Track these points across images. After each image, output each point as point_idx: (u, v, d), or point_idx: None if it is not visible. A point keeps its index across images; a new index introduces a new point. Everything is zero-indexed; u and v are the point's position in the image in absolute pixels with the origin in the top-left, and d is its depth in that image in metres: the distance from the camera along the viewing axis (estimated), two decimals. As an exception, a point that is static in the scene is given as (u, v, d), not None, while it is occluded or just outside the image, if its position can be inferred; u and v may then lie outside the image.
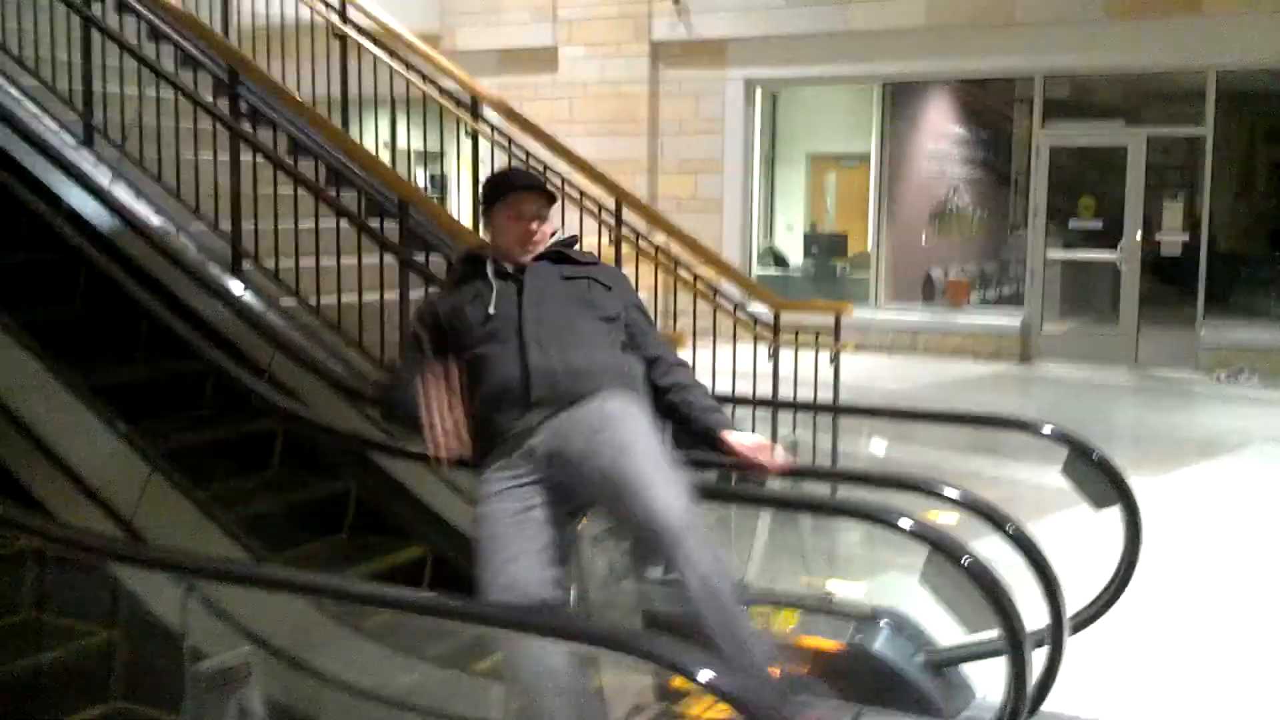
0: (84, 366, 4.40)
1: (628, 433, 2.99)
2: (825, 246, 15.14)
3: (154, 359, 4.90)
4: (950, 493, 3.20)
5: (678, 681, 2.32)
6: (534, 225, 3.45)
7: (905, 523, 2.91)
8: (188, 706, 2.40)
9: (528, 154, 7.32)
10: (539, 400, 3.11)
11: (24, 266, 4.97)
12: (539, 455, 3.05)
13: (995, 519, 3.10)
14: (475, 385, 3.19)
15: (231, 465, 4.68)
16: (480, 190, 3.56)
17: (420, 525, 4.67)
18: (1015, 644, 2.75)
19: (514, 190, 3.48)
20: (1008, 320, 13.00)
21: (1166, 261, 12.61)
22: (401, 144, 8.42)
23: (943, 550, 2.80)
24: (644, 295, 7.31)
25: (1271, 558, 6.02)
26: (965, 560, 2.77)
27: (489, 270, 3.36)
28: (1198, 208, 12.43)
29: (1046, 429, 3.94)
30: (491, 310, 3.25)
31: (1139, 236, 12.42)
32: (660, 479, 2.85)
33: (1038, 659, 3.08)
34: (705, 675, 2.03)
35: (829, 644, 4.11)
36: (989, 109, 14.71)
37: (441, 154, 13.20)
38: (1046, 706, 3.32)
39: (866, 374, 10.15)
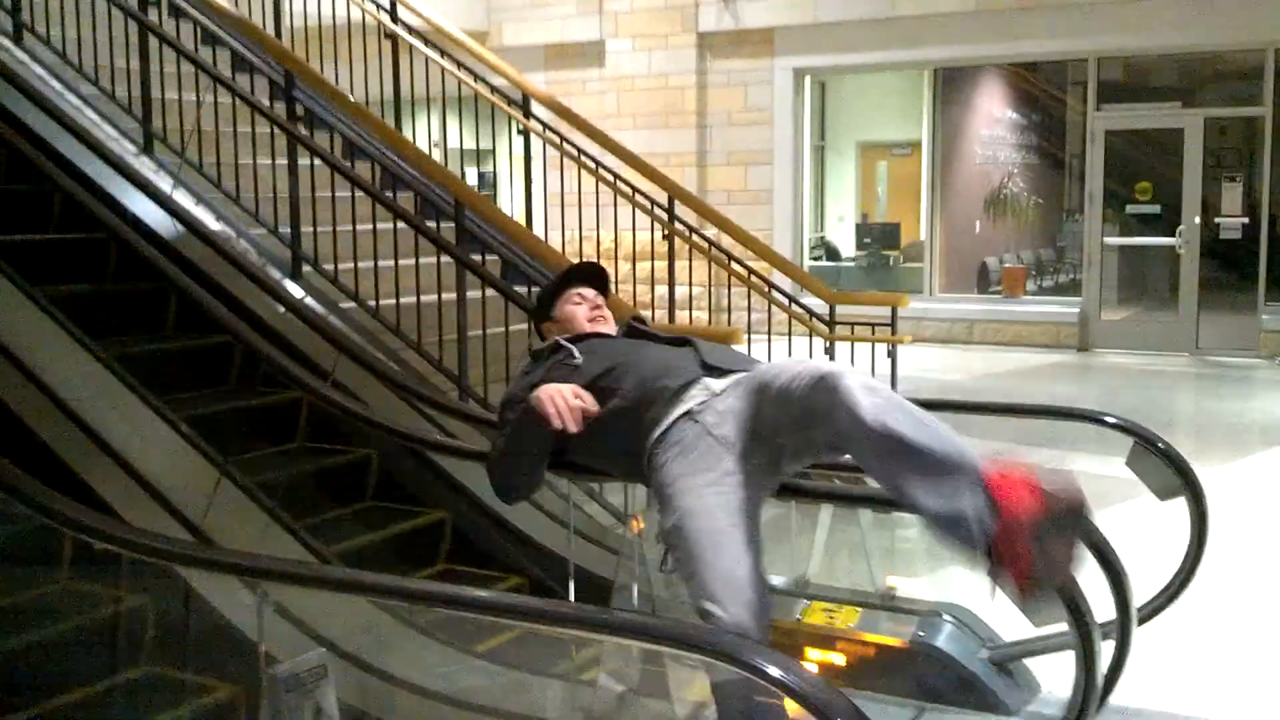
0: (173, 395, 4.45)
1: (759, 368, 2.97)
2: (878, 237, 15.07)
3: (247, 387, 4.98)
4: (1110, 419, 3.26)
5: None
6: (599, 301, 3.55)
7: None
8: (266, 709, 2.45)
9: (579, 150, 7.33)
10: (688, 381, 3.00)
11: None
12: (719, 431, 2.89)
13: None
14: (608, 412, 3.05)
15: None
16: (536, 303, 3.67)
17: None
18: (1084, 633, 2.73)
19: (569, 284, 3.57)
20: (1065, 309, 12.87)
21: (1226, 245, 12.42)
22: (453, 143, 8.48)
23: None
24: (698, 290, 7.37)
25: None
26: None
27: (572, 348, 3.26)
28: (1257, 190, 12.24)
29: (1110, 419, 3.89)
30: (580, 359, 3.19)
31: (1198, 220, 12.25)
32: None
33: (1106, 651, 3.06)
34: (776, 672, 2.03)
35: (892, 641, 4.11)
36: (1042, 93, 14.55)
37: (493, 152, 13.28)
38: (1115, 699, 3.29)
39: (923, 365, 10.10)
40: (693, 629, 2.34)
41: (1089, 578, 2.97)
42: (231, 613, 3.25)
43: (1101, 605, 3.06)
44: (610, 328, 3.49)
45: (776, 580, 4.65)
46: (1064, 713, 2.98)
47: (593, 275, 3.62)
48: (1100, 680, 2.88)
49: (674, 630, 2.31)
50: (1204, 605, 4.20)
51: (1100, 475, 3.95)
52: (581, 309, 3.48)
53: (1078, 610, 2.72)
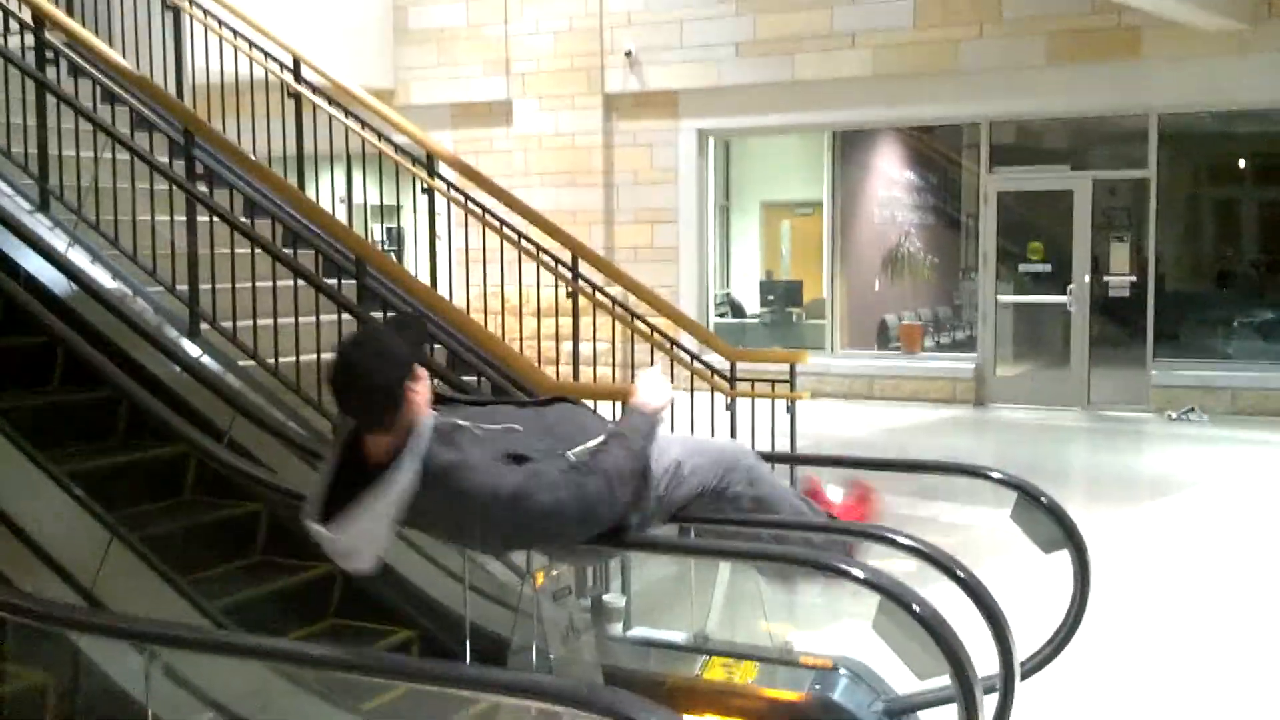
0: (58, 450, 4.38)
1: None
2: (781, 294, 15.31)
3: (135, 442, 4.89)
4: (902, 539, 3.26)
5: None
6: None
7: (856, 571, 2.97)
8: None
9: (484, 209, 7.38)
10: None
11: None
12: None
13: (946, 565, 3.16)
14: None
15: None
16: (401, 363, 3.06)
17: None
18: (966, 690, 2.80)
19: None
20: (961, 364, 13.16)
21: (1115, 302, 12.82)
22: (358, 199, 8.48)
23: (893, 598, 2.86)
24: (603, 347, 7.42)
25: (1222, 598, 6.12)
26: (915, 608, 2.83)
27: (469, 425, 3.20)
28: (1144, 249, 12.67)
29: (995, 474, 4.01)
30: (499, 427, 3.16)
31: (1087, 279, 12.64)
32: None
33: (989, 704, 3.13)
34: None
35: (789, 694, 4.16)
36: (938, 155, 14.96)
37: (399, 207, 13.27)
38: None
39: (824, 421, 10.24)
40: (582, 688, 2.36)
41: (973, 630, 3.05)
42: (121, 677, 3.20)
43: (986, 658, 3.14)
44: None
45: (676, 636, 4.70)
46: (950, 764, 3.04)
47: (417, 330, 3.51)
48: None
49: (562, 689, 2.34)
50: (1089, 657, 4.31)
51: (991, 529, 4.07)
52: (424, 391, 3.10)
53: (959, 662, 2.79)
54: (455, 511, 2.96)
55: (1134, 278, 12.70)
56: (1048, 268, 13.13)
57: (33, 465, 4.11)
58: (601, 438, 3.17)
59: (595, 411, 3.51)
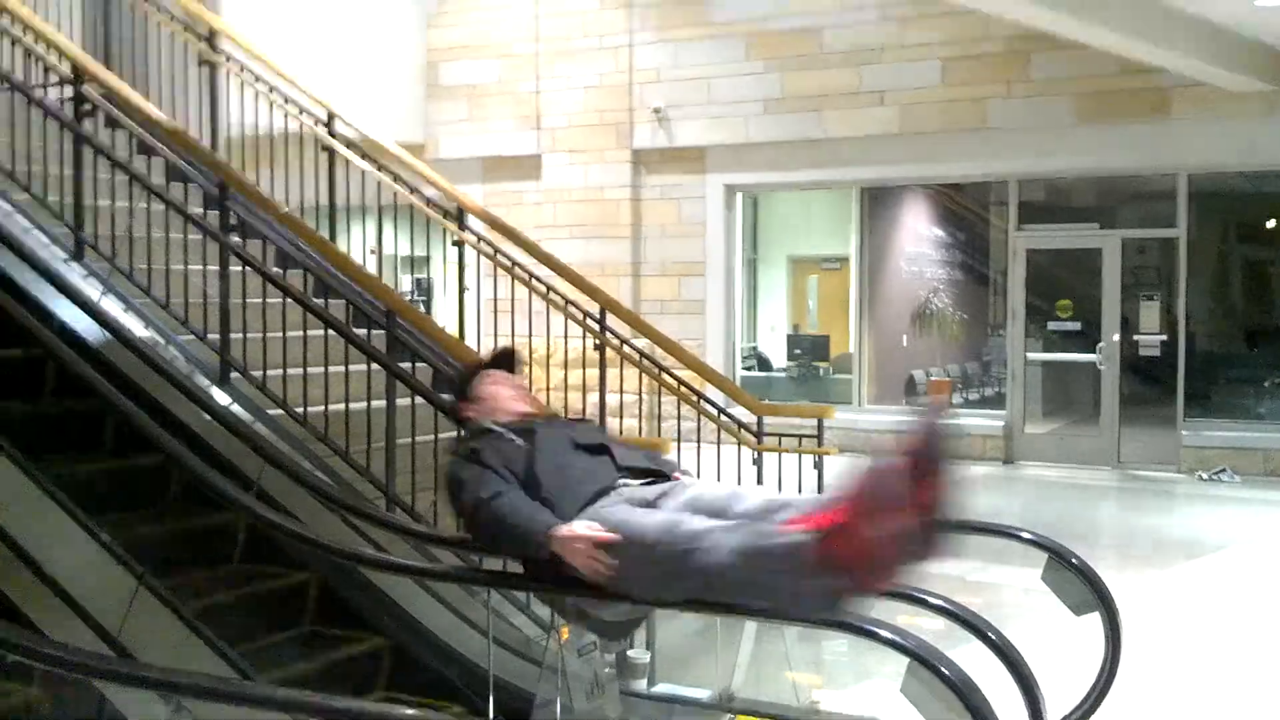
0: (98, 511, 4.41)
1: None
2: (808, 348, 15.28)
3: (183, 510, 4.95)
4: (932, 600, 3.23)
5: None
6: (516, 381, 3.87)
7: (884, 632, 2.94)
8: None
9: (513, 261, 7.42)
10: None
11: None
12: None
13: (976, 626, 3.13)
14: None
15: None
16: (456, 385, 3.94)
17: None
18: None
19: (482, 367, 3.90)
20: (990, 421, 13.07)
21: (1145, 361, 12.74)
22: (388, 250, 8.54)
23: (921, 660, 2.83)
24: (630, 398, 7.43)
25: (1256, 660, 6.02)
26: (943, 669, 2.79)
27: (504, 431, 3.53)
28: (1174, 308, 12.61)
29: (1026, 535, 3.98)
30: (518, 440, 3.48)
31: (1117, 337, 12.58)
32: None
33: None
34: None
35: (815, 753, 4.12)
36: (966, 211, 14.97)
37: (428, 258, 13.38)
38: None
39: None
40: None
41: (1002, 692, 3.01)
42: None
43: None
44: (530, 405, 3.73)
45: (701, 693, 4.66)
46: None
47: (503, 357, 3.88)
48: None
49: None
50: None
51: (1021, 589, 4.03)
52: (502, 389, 3.61)
53: (988, 724, 2.75)
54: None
55: (1164, 336, 12.63)
56: (1077, 326, 13.07)
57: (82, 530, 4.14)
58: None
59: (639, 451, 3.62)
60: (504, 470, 3.29)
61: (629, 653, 4.94)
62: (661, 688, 4.86)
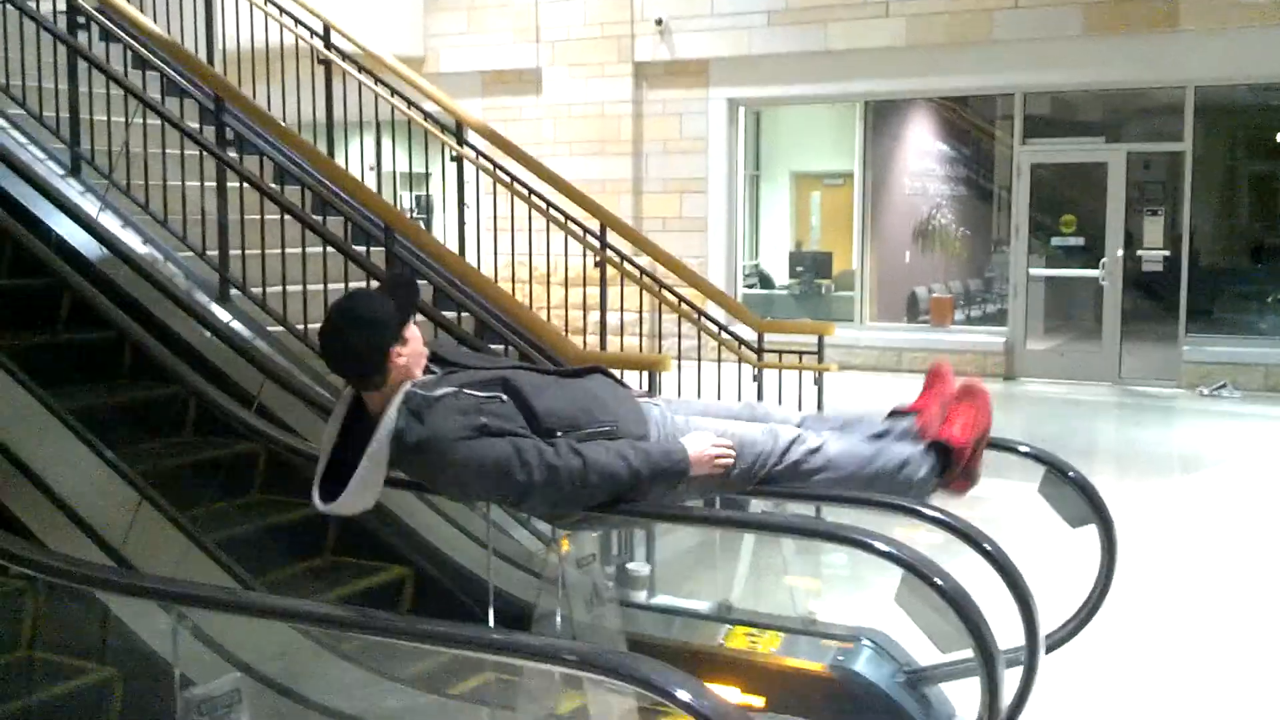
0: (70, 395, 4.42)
1: None
2: (810, 265, 15.25)
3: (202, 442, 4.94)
4: (928, 511, 3.25)
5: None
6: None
7: (879, 544, 2.97)
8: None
9: (512, 177, 7.37)
10: None
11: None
12: None
13: (972, 537, 3.15)
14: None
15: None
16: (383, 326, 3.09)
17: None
18: (988, 661, 2.79)
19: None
20: (991, 338, 13.09)
21: (1148, 277, 12.72)
22: (387, 166, 8.49)
23: (915, 571, 2.85)
24: (631, 317, 7.44)
25: (1249, 573, 6.08)
26: (938, 580, 2.82)
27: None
28: (1179, 223, 12.55)
29: (1024, 448, 3.99)
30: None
31: (1120, 253, 12.53)
32: None
33: (1013, 676, 3.13)
34: (683, 695, 2.07)
35: (811, 665, 4.17)
36: (971, 126, 14.84)
37: (427, 175, 13.29)
38: (1024, 722, 3.37)
39: (852, 393, 10.21)
40: (611, 656, 2.37)
41: (997, 603, 3.04)
42: (150, 638, 3.24)
43: (1011, 632, 3.13)
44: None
45: (700, 605, 4.72)
46: (971, 735, 3.04)
47: (403, 289, 3.32)
48: (1004, 704, 2.95)
49: (587, 655, 2.35)
50: (1115, 632, 4.30)
51: (1020, 503, 4.05)
52: (416, 334, 3.14)
53: (980, 635, 2.78)
54: (426, 475, 3.11)
55: (1167, 252, 12.59)
56: (1080, 241, 13.03)
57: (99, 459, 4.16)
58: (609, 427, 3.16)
59: (627, 393, 3.43)
60: (523, 429, 3.03)
61: (629, 565, 5.00)
62: (661, 599, 4.92)
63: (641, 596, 4.92)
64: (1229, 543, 6.66)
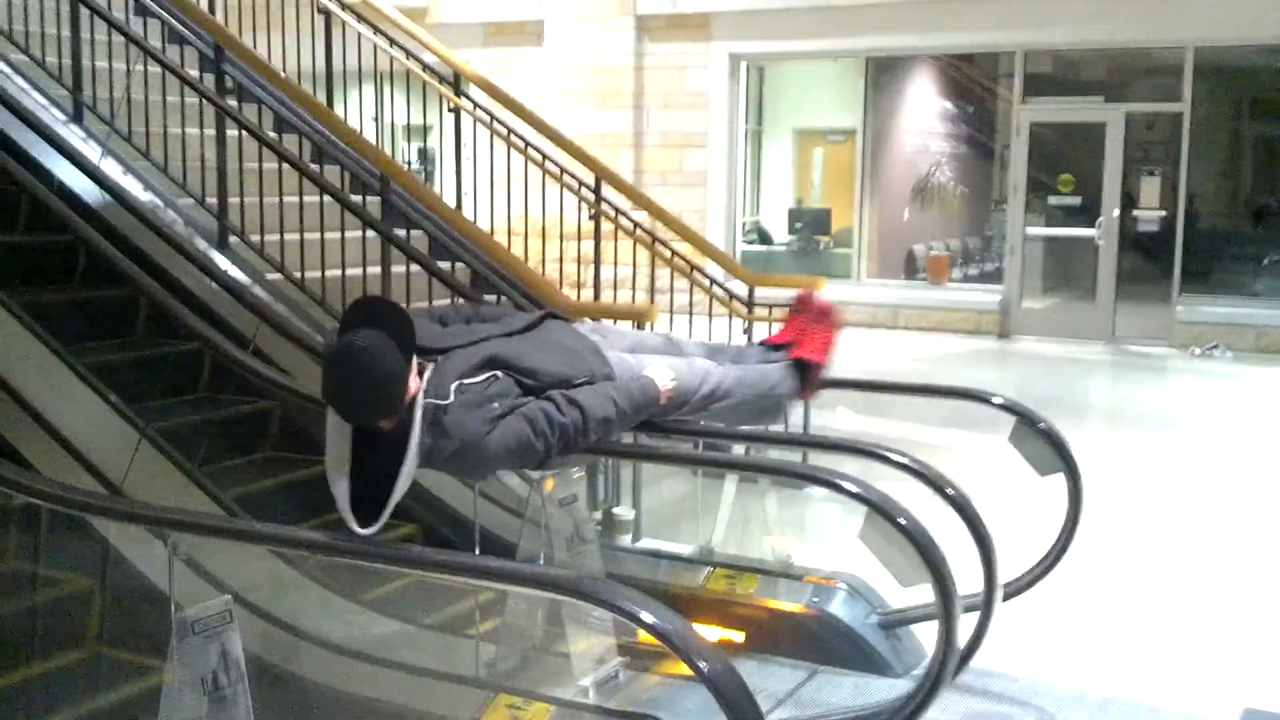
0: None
1: None
2: (809, 222, 15.29)
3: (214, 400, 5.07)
4: (894, 456, 3.38)
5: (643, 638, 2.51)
6: None
7: (847, 485, 3.09)
8: (174, 652, 2.58)
9: (509, 130, 7.44)
10: None
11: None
12: None
13: (935, 482, 3.28)
14: None
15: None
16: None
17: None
18: (945, 595, 2.93)
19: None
20: (987, 296, 13.18)
21: (1144, 237, 12.78)
22: (388, 118, 8.54)
23: (880, 511, 2.98)
24: (625, 271, 7.50)
25: (1216, 526, 6.20)
26: (901, 520, 2.95)
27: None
28: (1176, 184, 12.59)
29: (996, 400, 4.11)
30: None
31: (1117, 213, 12.59)
32: None
33: (971, 619, 3.26)
34: (648, 618, 2.20)
35: (789, 605, 4.32)
36: (973, 84, 14.84)
37: (426, 128, 13.31)
38: (977, 663, 3.51)
39: (847, 349, 10.32)
40: (587, 582, 2.49)
41: (961, 550, 3.17)
42: (147, 568, 3.38)
43: (973, 577, 3.26)
44: None
45: (683, 548, 4.86)
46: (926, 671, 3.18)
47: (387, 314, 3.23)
48: (960, 644, 3.08)
49: (566, 581, 2.48)
50: (1082, 578, 4.43)
51: (1002, 456, 4.17)
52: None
53: (938, 569, 2.91)
54: (455, 471, 3.43)
55: (1164, 213, 12.64)
56: (1078, 201, 13.08)
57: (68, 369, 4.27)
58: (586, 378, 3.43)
59: (583, 334, 3.71)
60: (521, 396, 3.22)
61: (614, 510, 5.14)
62: (645, 543, 5.06)
63: (627, 540, 5.07)
64: (1201, 496, 6.77)
